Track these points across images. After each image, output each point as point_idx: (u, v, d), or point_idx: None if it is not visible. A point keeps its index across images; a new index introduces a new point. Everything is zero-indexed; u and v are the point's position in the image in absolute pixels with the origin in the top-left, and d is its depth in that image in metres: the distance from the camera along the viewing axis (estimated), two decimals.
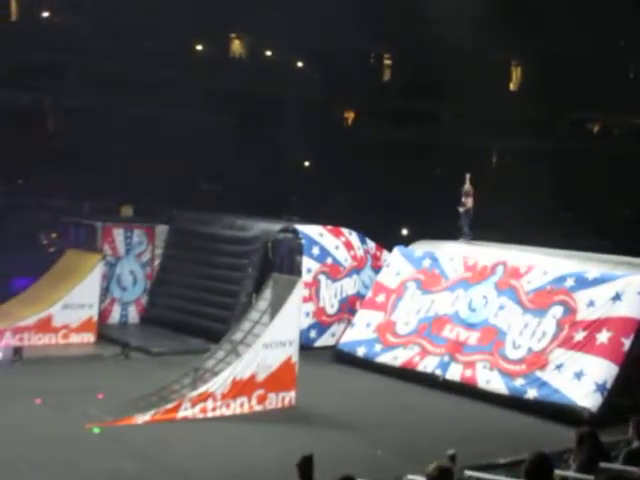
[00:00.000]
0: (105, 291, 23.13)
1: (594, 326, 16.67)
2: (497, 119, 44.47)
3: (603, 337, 16.44)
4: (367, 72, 48.69)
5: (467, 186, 21.74)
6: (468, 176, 21.79)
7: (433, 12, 40.46)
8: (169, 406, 14.76)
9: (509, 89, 49.98)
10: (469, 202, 21.71)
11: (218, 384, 15.18)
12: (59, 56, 38.82)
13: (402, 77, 48.09)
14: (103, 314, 22.85)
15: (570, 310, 17.20)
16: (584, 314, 16.95)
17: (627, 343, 16.25)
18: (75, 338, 21.25)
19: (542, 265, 18.65)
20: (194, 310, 22.46)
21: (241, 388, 15.38)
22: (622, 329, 16.39)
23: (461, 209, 21.78)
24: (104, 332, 21.98)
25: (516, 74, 50.30)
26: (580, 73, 46.12)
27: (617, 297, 16.72)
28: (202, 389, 15.11)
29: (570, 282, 17.60)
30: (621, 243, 27.05)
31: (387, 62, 50.61)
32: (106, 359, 19.85)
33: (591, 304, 16.97)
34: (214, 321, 21.27)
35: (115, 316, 23.71)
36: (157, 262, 24.58)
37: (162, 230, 24.73)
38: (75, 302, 21.33)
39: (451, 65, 42.13)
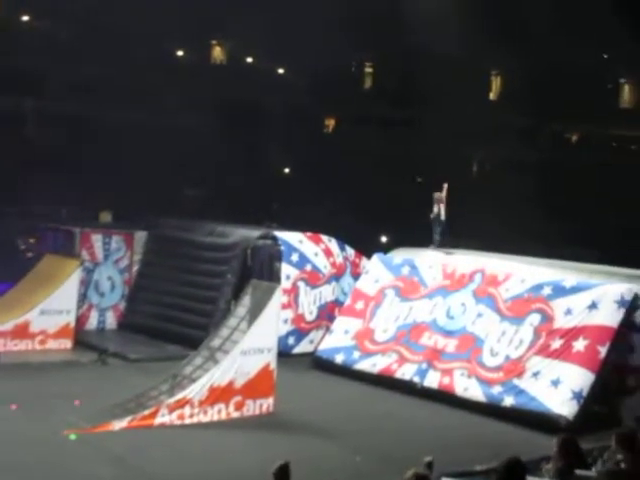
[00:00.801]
0: (83, 297, 23.01)
1: (571, 334, 16.76)
2: (477, 128, 44.67)
3: (580, 345, 16.53)
4: (349, 79, 48.80)
5: (437, 194, 21.82)
6: (445, 186, 21.88)
7: (415, 20, 40.60)
8: (146, 412, 14.71)
9: (489, 98, 50.21)
10: (436, 209, 21.73)
11: (196, 391, 15.15)
12: (40, 61, 38.67)
13: (383, 85, 48.23)
14: (80, 320, 22.73)
15: (547, 318, 17.28)
16: (561, 322, 17.04)
17: (603, 351, 16.34)
18: (52, 344, 21.12)
19: (520, 273, 18.74)
20: (172, 316, 22.39)
21: (219, 395, 15.35)
22: (599, 337, 16.48)
23: (431, 216, 21.86)
24: (81, 338, 21.87)
25: (496, 83, 50.54)
26: (560, 83, 46.45)
27: (594, 305, 16.82)
28: (180, 396, 15.07)
29: (547, 290, 17.69)
30: (607, 252, 27.23)
31: (368, 70, 50.75)
32: (83, 365, 19.77)
33: (568, 312, 17.06)
34: (192, 328, 21.20)
35: (93, 322, 23.61)
36: (135, 268, 24.49)
37: (141, 236, 24.65)
38: (52, 308, 21.21)
39: (432, 73, 42.30)
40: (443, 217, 21.76)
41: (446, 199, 21.81)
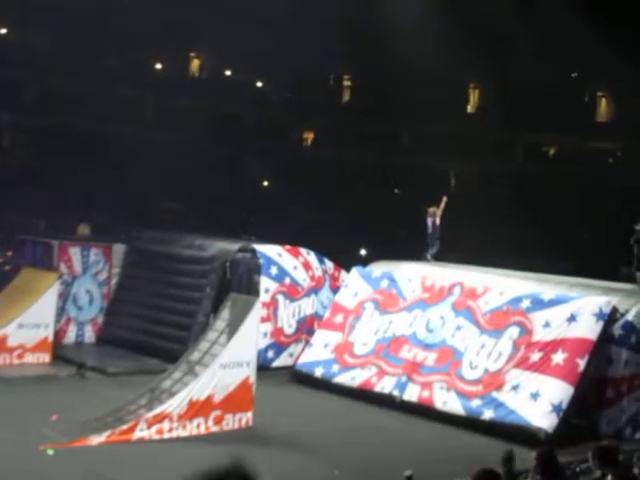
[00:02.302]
0: (61, 310, 22.86)
1: (550, 347, 16.83)
2: (455, 140, 44.85)
3: (559, 358, 16.60)
4: (327, 92, 48.91)
5: (432, 209, 21.97)
6: (445, 199, 22.06)
7: (393, 34, 40.77)
8: (125, 427, 14.64)
9: (466, 111, 50.44)
10: (430, 222, 21.86)
11: (175, 405, 15.09)
12: (17, 73, 38.53)
13: (361, 98, 48.34)
14: (59, 334, 22.59)
15: (526, 331, 17.34)
16: (540, 335, 17.10)
17: (582, 364, 16.42)
18: (30, 358, 20.97)
19: (498, 286, 18.81)
20: (151, 330, 22.30)
21: (198, 409, 15.29)
22: (577, 350, 16.55)
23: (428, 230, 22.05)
24: (59, 352, 21.73)
25: (474, 96, 50.79)
26: (537, 96, 46.72)
27: (572, 318, 16.89)
28: (158, 410, 15.01)
29: (526, 303, 17.76)
30: (582, 265, 27.38)
31: (347, 83, 50.87)
32: (61, 379, 19.65)
33: (547, 325, 17.13)
34: (171, 341, 21.14)
35: (71, 336, 23.47)
36: (114, 281, 24.40)
37: (120, 249, 24.56)
38: (30, 321, 21.07)
39: (410, 87, 42.44)
40: (430, 230, 21.88)
41: (443, 212, 21.94)
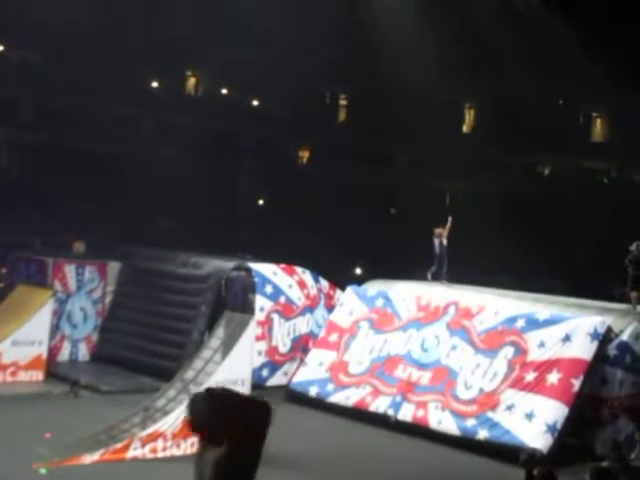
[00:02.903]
0: (55, 328, 22.78)
1: (544, 367, 16.82)
2: (450, 160, 45.00)
3: (553, 378, 16.58)
4: (323, 111, 49.01)
5: (438, 229, 22.06)
6: (450, 219, 22.14)
7: (389, 54, 40.93)
8: (118, 445, 14.56)
9: (462, 131, 50.56)
10: (436, 243, 21.94)
11: (169, 423, 15.01)
12: (13, 90, 38.58)
13: (357, 117, 48.45)
14: (53, 351, 22.50)
15: (521, 351, 17.33)
16: (535, 355, 17.09)
17: (577, 384, 16.40)
18: (24, 376, 20.89)
19: (493, 306, 18.80)
20: (145, 348, 22.23)
21: None
22: (572, 370, 16.54)
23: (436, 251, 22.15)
24: (53, 370, 21.65)
25: (469, 116, 50.93)
26: (533, 116, 46.91)
27: (567, 338, 16.89)
28: (152, 428, 14.94)
29: (521, 323, 17.76)
30: (576, 285, 27.42)
31: (343, 102, 50.99)
32: (55, 397, 19.55)
33: (542, 345, 17.12)
34: (166, 359, 21.06)
35: (65, 353, 23.38)
36: (109, 299, 24.34)
37: (114, 267, 24.51)
38: (24, 339, 21.00)
39: (406, 106, 42.59)
40: (437, 251, 21.92)
41: (449, 232, 22.00)
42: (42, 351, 21.34)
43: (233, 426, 3.97)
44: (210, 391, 4.07)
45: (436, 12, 40.50)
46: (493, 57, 41.50)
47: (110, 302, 24.33)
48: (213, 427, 4.11)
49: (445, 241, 21.94)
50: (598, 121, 50.38)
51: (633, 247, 19.22)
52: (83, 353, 23.78)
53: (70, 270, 23.65)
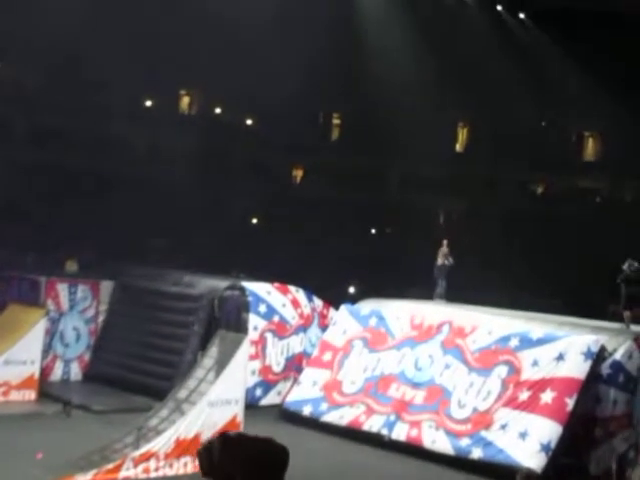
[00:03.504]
0: (47, 347, 22.68)
1: (538, 386, 16.80)
2: (444, 179, 45.12)
3: (547, 397, 16.56)
4: (316, 130, 49.10)
5: (443, 248, 22.63)
6: (445, 242, 22.63)
7: (382, 73, 41.09)
8: (111, 466, 14.49)
9: (455, 150, 50.66)
10: (440, 262, 22.52)
11: (162, 443, 14.95)
12: (5, 108, 38.57)
13: (351, 136, 48.53)
14: (45, 371, 22.40)
15: (515, 370, 17.31)
16: (528, 374, 17.08)
17: (571, 403, 16.38)
18: (16, 395, 20.80)
19: (487, 325, 18.79)
20: (138, 367, 22.16)
21: (185, 447, 15.15)
22: (566, 389, 16.52)
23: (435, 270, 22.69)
24: (46, 389, 21.55)
25: (462, 135, 51.04)
26: (525, 135, 47.05)
27: (560, 357, 16.89)
28: (145, 448, 14.87)
29: (515, 342, 17.75)
30: (570, 304, 27.41)
31: (336, 121, 51.08)
32: (47, 417, 19.47)
33: (535, 364, 17.11)
34: (159, 379, 21.00)
35: (57, 373, 23.28)
36: (102, 318, 24.26)
37: (107, 286, 24.45)
38: (16, 358, 20.92)
39: (400, 125, 42.71)
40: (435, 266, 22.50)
41: (447, 253, 22.52)
42: (34, 370, 21.26)
43: (248, 476, 3.93)
44: (226, 437, 4.03)
45: (430, 32, 40.72)
46: (486, 76, 41.65)
47: (103, 321, 24.27)
48: (227, 476, 4.06)
49: (439, 261, 22.35)
50: (590, 140, 50.52)
51: (625, 266, 19.26)
52: (75, 372, 23.68)
53: (63, 289, 23.59)
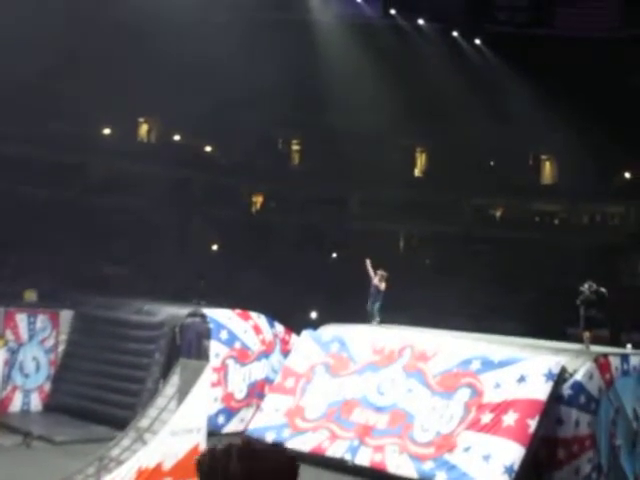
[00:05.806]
0: (6, 378, 22.40)
1: (500, 408, 16.85)
2: (403, 203, 45.42)
3: (510, 419, 16.62)
4: (276, 157, 49.25)
5: (380, 271, 22.30)
6: (368, 261, 22.41)
7: (341, 99, 41.38)
8: None
9: (414, 174, 51.04)
10: (376, 283, 22.26)
11: (123, 474, 14.76)
12: None
13: (310, 162, 48.73)
14: (4, 402, 22.15)
15: (477, 392, 17.37)
16: (490, 396, 17.14)
17: (533, 424, 16.44)
18: None
19: (448, 348, 18.86)
20: (99, 397, 21.95)
21: (147, 477, 14.97)
22: (528, 411, 16.59)
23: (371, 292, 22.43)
24: (5, 421, 21.26)
25: (421, 160, 51.44)
26: (483, 159, 47.57)
27: (522, 379, 16.97)
28: (107, 479, 14.69)
29: (476, 365, 17.82)
30: (530, 326, 27.62)
31: (295, 147, 51.28)
32: (6, 449, 19.17)
33: (497, 386, 17.18)
34: (120, 408, 20.81)
35: (17, 404, 22.97)
36: (62, 348, 24.03)
37: (67, 315, 24.24)
38: None
39: (358, 151, 43.00)
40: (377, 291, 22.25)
41: (380, 276, 22.24)
42: None
43: None
44: (241, 450, 3.94)
45: (388, 59, 41.14)
46: (444, 101, 42.10)
47: (63, 351, 24.03)
48: None
49: (374, 283, 22.25)
50: (547, 164, 51.15)
51: (585, 287, 19.44)
52: (35, 403, 23.39)
53: (22, 319, 23.32)
